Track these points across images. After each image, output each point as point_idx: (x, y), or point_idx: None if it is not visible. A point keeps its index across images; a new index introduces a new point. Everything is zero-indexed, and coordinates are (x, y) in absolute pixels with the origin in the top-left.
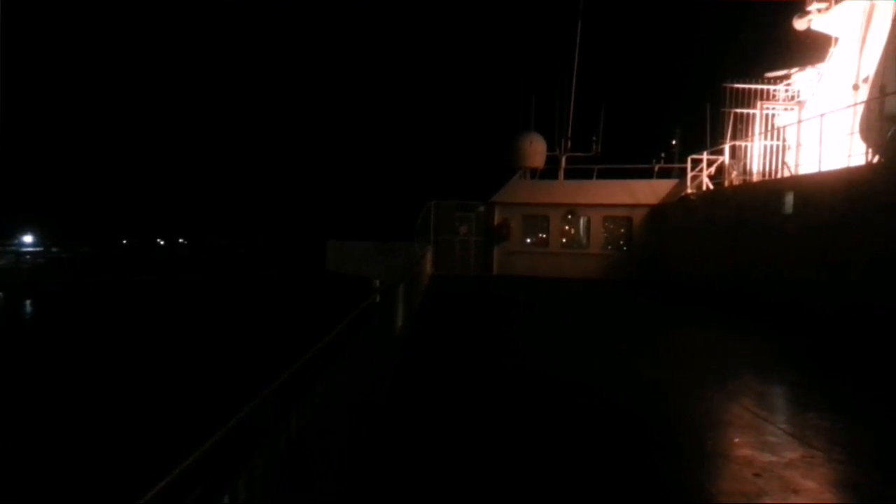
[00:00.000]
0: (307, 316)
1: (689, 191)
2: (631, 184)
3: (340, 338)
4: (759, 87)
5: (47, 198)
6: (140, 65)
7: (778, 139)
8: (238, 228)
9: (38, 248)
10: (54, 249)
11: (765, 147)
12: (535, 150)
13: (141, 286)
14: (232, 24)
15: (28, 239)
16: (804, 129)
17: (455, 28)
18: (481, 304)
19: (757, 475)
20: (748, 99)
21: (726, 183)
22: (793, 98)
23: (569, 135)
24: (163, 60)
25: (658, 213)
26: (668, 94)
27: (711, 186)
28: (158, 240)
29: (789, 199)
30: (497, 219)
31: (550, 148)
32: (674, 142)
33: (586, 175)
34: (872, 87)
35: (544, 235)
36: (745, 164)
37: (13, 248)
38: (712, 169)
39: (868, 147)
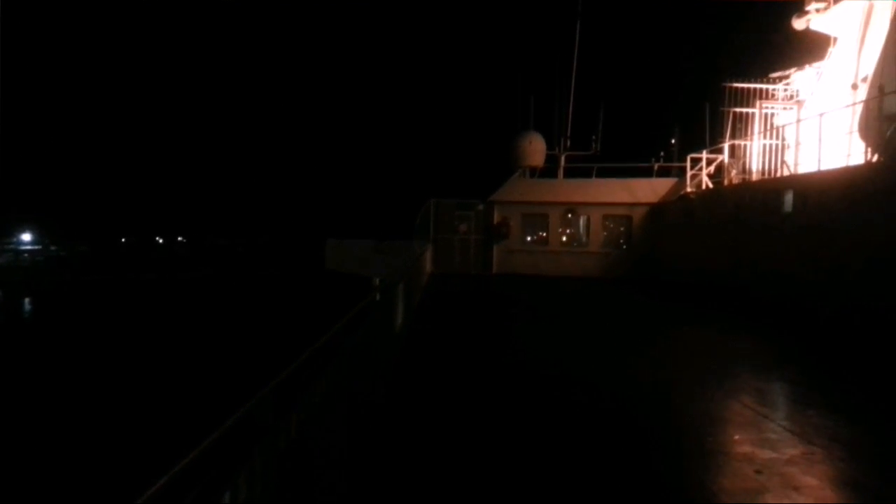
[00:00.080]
0: (306, 314)
1: (688, 190)
2: (630, 182)
3: (340, 336)
4: (758, 86)
5: (46, 196)
6: (139, 63)
7: (777, 138)
8: (237, 227)
9: (36, 247)
10: (53, 248)
11: (764, 146)
12: (535, 148)
13: (139, 285)
14: (232, 23)
15: (27, 237)
16: (803, 128)
17: (454, 27)
18: (481, 303)
19: (758, 472)
20: (747, 98)
21: (726, 182)
22: (792, 97)
23: (568, 133)
24: (162, 59)
25: (657, 211)
26: (668, 92)
27: (711, 185)
28: (157, 238)
29: (788, 198)
30: (496, 217)
31: (550, 147)
32: (673, 141)
33: (586, 174)
34: (871, 86)
35: (544, 234)
36: (744, 163)
37: (12, 246)
38: (712, 168)
39: (867, 146)
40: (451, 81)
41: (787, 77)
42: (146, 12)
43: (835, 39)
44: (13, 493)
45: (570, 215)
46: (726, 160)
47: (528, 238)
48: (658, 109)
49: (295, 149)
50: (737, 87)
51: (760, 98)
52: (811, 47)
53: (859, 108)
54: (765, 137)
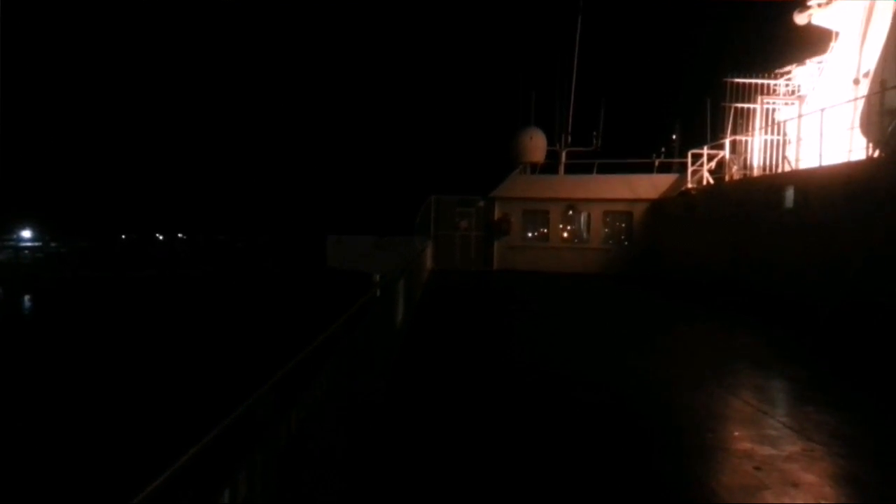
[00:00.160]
0: (307, 311)
1: (689, 185)
2: (631, 178)
3: (341, 332)
4: (759, 81)
5: (46, 193)
6: (139, 61)
7: (778, 134)
8: (237, 224)
9: (36, 243)
10: (53, 244)
11: (765, 142)
12: (536, 144)
13: (139, 282)
14: (231, 20)
15: (27, 234)
16: (805, 123)
17: (455, 22)
18: (481, 299)
19: (757, 468)
20: (748, 93)
21: (727, 177)
22: (793, 93)
23: (569, 129)
24: (161, 56)
25: (658, 207)
26: (669, 88)
27: (712, 181)
28: (158, 235)
29: (790, 193)
30: (497, 214)
31: (550, 143)
32: (674, 136)
33: (586, 170)
34: (873, 81)
35: (545, 230)
36: (745, 159)
37: (12, 243)
38: (713, 163)
39: (868, 142)
40: (451, 77)
41: (788, 72)
42: (146, 11)
43: (836, 34)
44: (13, 493)
45: (570, 211)
46: (727, 156)
47: (529, 234)
48: (659, 105)
49: (295, 145)
50: (738, 83)
51: (761, 93)
52: (813, 42)
53: (861, 104)
54: (766, 133)
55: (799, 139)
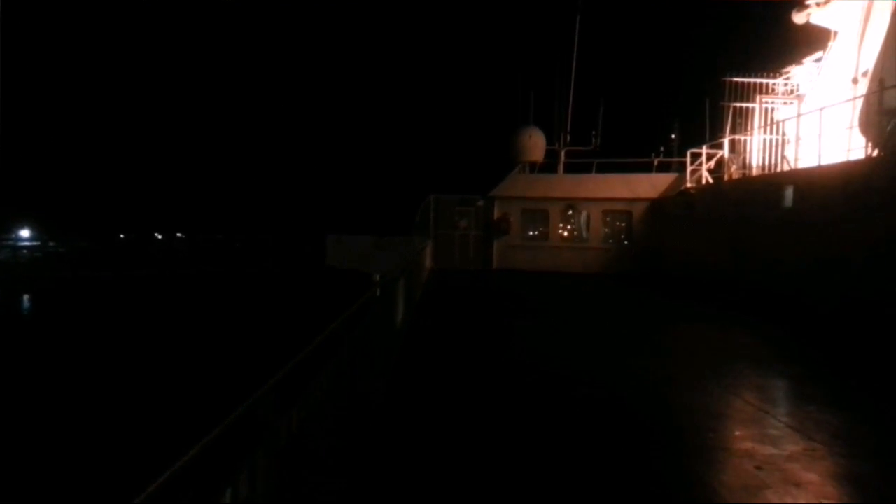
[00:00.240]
0: (307, 310)
1: (688, 185)
2: (630, 178)
3: (341, 332)
4: (758, 80)
5: (45, 192)
6: (138, 61)
7: (777, 133)
8: (237, 223)
9: (35, 243)
10: (52, 244)
11: (764, 141)
12: (535, 144)
13: (138, 281)
14: (231, 20)
15: (25, 233)
16: (803, 122)
17: (454, 22)
18: (481, 299)
19: (758, 468)
20: (747, 93)
21: (726, 177)
22: (792, 92)
23: (568, 129)
24: (161, 56)
25: (657, 206)
26: (668, 87)
27: (711, 180)
28: (156, 234)
29: (789, 193)
30: (497, 213)
31: (550, 142)
32: (673, 136)
33: (586, 169)
34: (872, 80)
35: (544, 229)
36: (744, 158)
37: (10, 242)
38: (712, 163)
39: (867, 141)
40: (450, 77)
41: (787, 72)
42: (146, 11)
43: (835, 34)
44: (13, 493)
45: (570, 211)
46: (726, 155)
47: (529, 234)
48: (658, 104)
49: (294, 145)
50: (737, 82)
51: (760, 93)
52: (811, 42)
53: (859, 103)
54: (765, 132)
55: (798, 138)
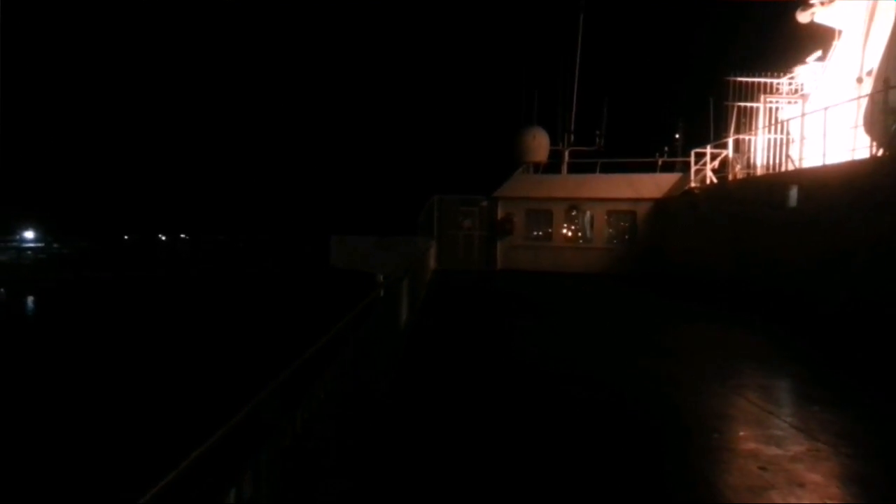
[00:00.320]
0: (311, 311)
1: (692, 185)
2: (634, 178)
3: (345, 332)
4: (762, 80)
5: (49, 194)
6: (142, 62)
7: (781, 133)
8: (240, 224)
9: (39, 244)
10: (55, 245)
11: (768, 140)
12: (539, 144)
13: (141, 282)
14: (233, 21)
15: (29, 235)
16: (808, 122)
17: (458, 22)
18: (485, 299)
19: (763, 468)
20: (752, 92)
21: (730, 177)
22: (796, 91)
23: (572, 129)
24: (164, 58)
25: (662, 207)
26: (672, 87)
27: (715, 180)
28: (160, 235)
29: (793, 192)
30: (500, 213)
31: (553, 142)
32: (677, 135)
33: (590, 169)
34: (876, 80)
35: (548, 230)
36: (748, 158)
37: (14, 243)
38: (716, 163)
39: (872, 140)
40: (454, 77)
41: (791, 71)
42: (148, 11)
43: (839, 33)
44: (14, 493)
45: (574, 211)
46: (730, 155)
47: (533, 234)
48: (662, 104)
49: (298, 146)
50: (741, 82)
51: (765, 92)
52: (815, 41)
53: (864, 102)
54: (769, 132)
55: (802, 138)
